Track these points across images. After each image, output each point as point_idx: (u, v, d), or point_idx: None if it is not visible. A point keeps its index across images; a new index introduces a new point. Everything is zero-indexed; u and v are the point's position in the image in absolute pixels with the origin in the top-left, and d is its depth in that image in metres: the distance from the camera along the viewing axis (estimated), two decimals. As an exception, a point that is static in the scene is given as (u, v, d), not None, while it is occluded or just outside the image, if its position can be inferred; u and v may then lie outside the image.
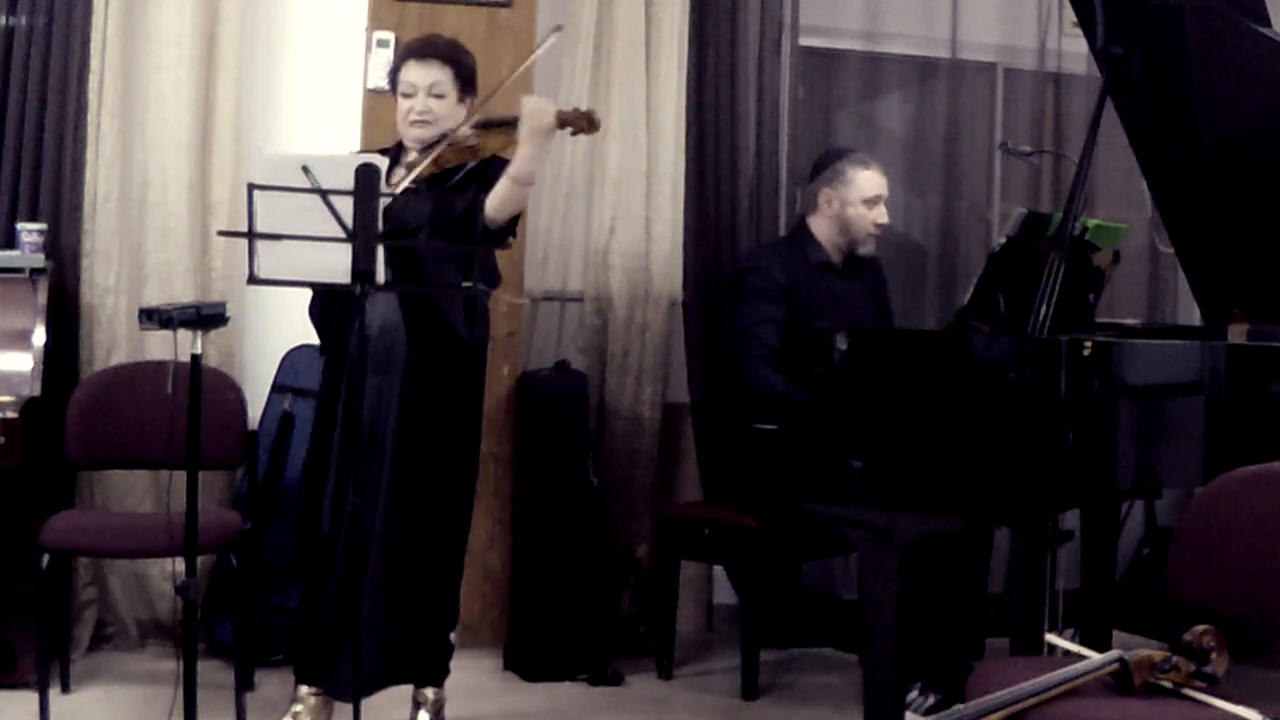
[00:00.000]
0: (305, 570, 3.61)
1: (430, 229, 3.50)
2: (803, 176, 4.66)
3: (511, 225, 3.52)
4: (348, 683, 3.47)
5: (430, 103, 3.57)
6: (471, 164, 3.58)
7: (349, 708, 3.20)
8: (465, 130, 3.56)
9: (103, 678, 4.08)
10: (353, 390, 3.39)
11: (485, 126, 3.58)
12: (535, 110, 3.43)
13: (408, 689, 3.68)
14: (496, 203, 3.43)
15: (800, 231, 4.44)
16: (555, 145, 3.89)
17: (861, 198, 4.32)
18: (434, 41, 3.69)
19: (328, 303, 3.59)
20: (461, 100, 3.62)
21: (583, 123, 3.53)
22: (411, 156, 3.57)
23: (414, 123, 3.58)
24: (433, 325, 3.52)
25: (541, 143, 3.44)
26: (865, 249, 4.39)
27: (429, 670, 3.67)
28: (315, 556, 3.55)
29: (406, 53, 3.66)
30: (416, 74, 3.58)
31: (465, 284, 3.24)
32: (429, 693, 3.68)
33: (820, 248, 4.38)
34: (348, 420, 3.44)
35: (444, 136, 3.54)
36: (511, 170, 3.43)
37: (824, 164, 4.43)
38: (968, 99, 5.18)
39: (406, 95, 3.59)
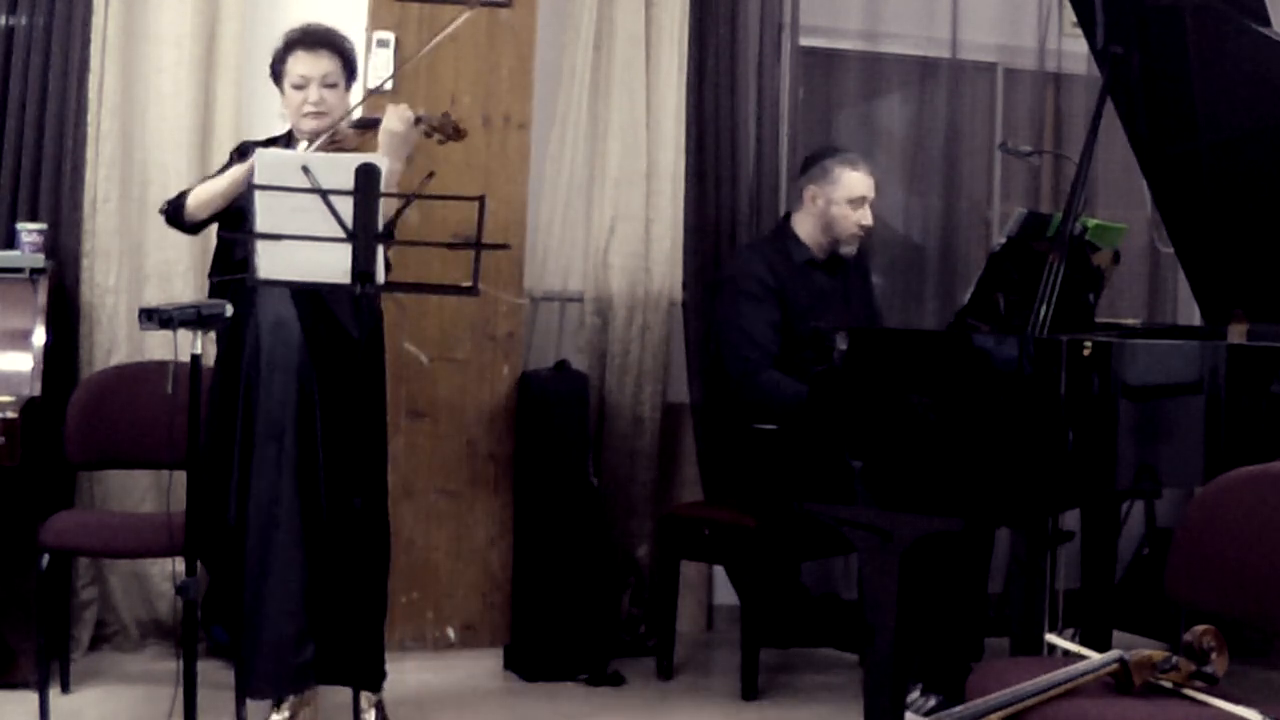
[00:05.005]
0: (219, 566, 3.60)
1: None
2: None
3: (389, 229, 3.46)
4: (261, 680, 3.50)
5: (324, 93, 3.57)
6: None
7: (338, 707, 3.21)
8: (347, 129, 3.56)
9: (103, 678, 4.08)
10: (250, 383, 3.45)
11: (364, 126, 3.58)
12: (395, 118, 3.43)
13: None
14: None
15: (783, 229, 4.42)
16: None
17: (847, 197, 4.29)
18: (317, 31, 3.66)
19: (222, 296, 3.54)
20: (348, 89, 3.62)
21: (449, 130, 3.54)
22: (303, 147, 3.55)
23: (309, 115, 3.56)
24: (323, 320, 3.51)
25: (398, 145, 3.44)
26: (847, 249, 4.36)
27: (361, 672, 3.47)
28: (225, 551, 3.52)
29: (291, 43, 3.62)
30: (308, 65, 3.57)
31: (465, 284, 3.22)
32: (370, 695, 3.61)
33: (803, 246, 4.35)
34: (247, 413, 3.48)
35: (331, 130, 3.54)
36: None
37: (814, 160, 4.41)
38: (968, 99, 5.17)
39: (298, 87, 3.58)
